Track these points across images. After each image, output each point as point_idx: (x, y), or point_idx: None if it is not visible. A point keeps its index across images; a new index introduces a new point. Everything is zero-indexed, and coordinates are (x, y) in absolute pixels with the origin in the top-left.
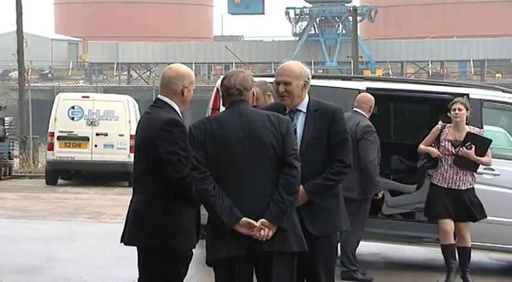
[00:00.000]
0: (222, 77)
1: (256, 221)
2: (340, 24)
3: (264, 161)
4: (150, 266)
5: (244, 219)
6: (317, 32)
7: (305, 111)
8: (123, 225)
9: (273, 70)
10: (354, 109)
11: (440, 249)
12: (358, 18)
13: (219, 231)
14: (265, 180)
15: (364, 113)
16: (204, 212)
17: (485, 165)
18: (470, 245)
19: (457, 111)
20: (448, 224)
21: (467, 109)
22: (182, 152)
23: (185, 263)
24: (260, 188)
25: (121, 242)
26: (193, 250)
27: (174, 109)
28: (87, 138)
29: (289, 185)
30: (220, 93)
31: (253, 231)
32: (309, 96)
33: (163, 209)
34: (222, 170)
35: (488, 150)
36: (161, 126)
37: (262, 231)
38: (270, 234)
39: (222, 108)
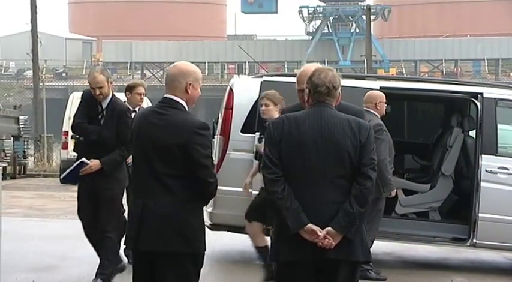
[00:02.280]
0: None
1: (323, 227)
2: (354, 23)
3: (337, 167)
4: (177, 270)
5: (308, 226)
6: (330, 31)
7: None
8: (134, 229)
9: (286, 69)
10: (364, 108)
11: (453, 248)
12: (372, 17)
13: (285, 234)
14: (336, 186)
15: (373, 111)
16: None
17: None
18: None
19: (263, 107)
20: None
21: (275, 104)
22: (212, 156)
23: (202, 265)
24: (331, 194)
25: (134, 246)
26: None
27: (186, 108)
28: None
29: (361, 197)
30: (307, 90)
31: (317, 239)
32: None
33: (192, 213)
34: (294, 172)
35: None
36: (195, 130)
37: (326, 240)
38: (334, 243)
39: (236, 108)
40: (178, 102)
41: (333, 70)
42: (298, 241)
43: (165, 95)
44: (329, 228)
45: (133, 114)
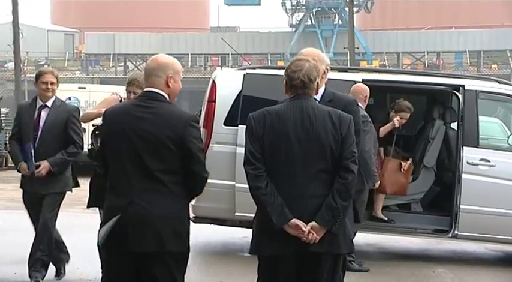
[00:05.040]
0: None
1: (307, 222)
2: (337, 15)
3: (319, 161)
4: (172, 269)
5: (293, 221)
6: (313, 23)
7: (319, 100)
8: (122, 229)
9: (269, 61)
10: None
11: (435, 239)
12: (355, 9)
13: (268, 229)
14: (318, 180)
15: (359, 104)
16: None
17: None
18: None
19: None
20: None
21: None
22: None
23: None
24: (313, 188)
25: (101, 245)
26: None
27: (174, 104)
28: (84, 129)
29: (344, 190)
30: (284, 81)
31: (301, 234)
32: (326, 87)
33: (186, 210)
34: (277, 166)
35: None
36: (190, 123)
37: (310, 234)
38: (318, 238)
39: (218, 100)
40: (161, 95)
41: (310, 61)
42: (281, 235)
43: (145, 89)
44: (313, 223)
45: (43, 111)
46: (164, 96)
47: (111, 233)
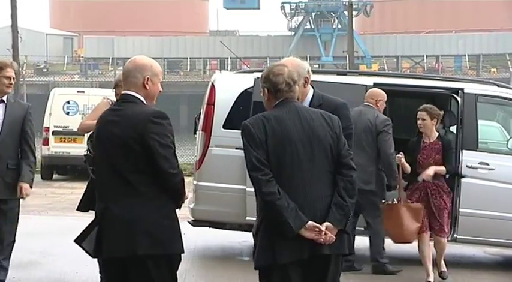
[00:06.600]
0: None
1: (320, 223)
2: (336, 19)
3: (323, 161)
4: (148, 275)
5: (310, 223)
6: (313, 26)
7: (308, 105)
8: (94, 235)
9: (268, 65)
10: (365, 103)
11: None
12: (354, 13)
13: (281, 236)
14: (323, 180)
15: (374, 107)
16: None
17: None
18: None
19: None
20: None
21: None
22: (173, 146)
23: (178, 268)
24: (320, 189)
25: (95, 255)
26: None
27: (144, 102)
28: (83, 133)
29: (350, 188)
30: (265, 90)
31: (318, 235)
32: (314, 90)
33: (159, 212)
34: (283, 171)
35: None
36: (150, 119)
37: (327, 235)
38: (334, 238)
39: (217, 103)
40: (134, 96)
41: (287, 66)
42: (296, 241)
43: (122, 92)
44: (327, 223)
45: None
46: (138, 98)
47: (96, 240)
